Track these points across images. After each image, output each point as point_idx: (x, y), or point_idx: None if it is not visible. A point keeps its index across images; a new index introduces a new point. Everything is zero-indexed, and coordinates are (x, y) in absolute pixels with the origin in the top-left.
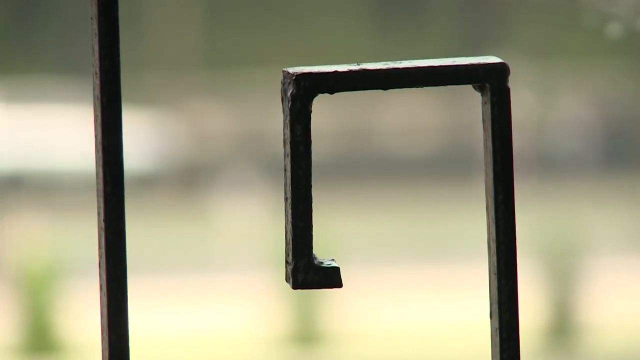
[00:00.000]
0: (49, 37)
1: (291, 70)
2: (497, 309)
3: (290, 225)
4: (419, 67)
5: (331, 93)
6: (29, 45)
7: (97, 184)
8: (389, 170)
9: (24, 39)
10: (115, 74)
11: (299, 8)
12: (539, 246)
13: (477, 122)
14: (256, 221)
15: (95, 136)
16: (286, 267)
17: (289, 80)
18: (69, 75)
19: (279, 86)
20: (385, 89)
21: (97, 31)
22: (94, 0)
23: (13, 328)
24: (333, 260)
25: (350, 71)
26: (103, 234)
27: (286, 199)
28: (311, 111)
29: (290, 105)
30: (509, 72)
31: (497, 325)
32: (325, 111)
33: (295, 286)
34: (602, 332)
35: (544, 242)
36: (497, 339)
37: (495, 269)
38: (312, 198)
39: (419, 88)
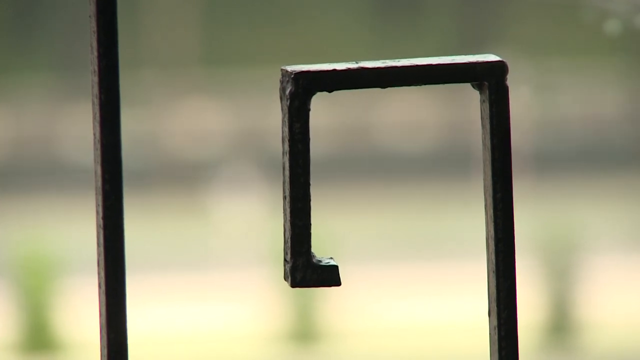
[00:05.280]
0: (47, 35)
1: (290, 68)
2: (495, 307)
3: (288, 224)
4: (417, 65)
5: (330, 91)
6: (27, 43)
7: (95, 181)
8: (387, 169)
9: (22, 37)
10: (113, 72)
11: (297, 6)
12: (538, 244)
13: (475, 120)
14: (255, 219)
15: (94, 134)
16: (285, 265)
17: (287, 79)
18: (67, 72)
19: (278, 84)
20: (383, 87)
21: (95, 29)
22: None
23: (12, 326)
24: (332, 258)
25: (349, 70)
26: (102, 231)
27: (285, 197)
28: (310, 109)
29: (289, 104)
30: (508, 70)
31: (495, 323)
32: (324, 109)
33: (294, 284)
34: (600, 329)
35: (542, 240)
36: (496, 336)
37: (493, 267)
38: (310, 196)
39: (418, 86)
